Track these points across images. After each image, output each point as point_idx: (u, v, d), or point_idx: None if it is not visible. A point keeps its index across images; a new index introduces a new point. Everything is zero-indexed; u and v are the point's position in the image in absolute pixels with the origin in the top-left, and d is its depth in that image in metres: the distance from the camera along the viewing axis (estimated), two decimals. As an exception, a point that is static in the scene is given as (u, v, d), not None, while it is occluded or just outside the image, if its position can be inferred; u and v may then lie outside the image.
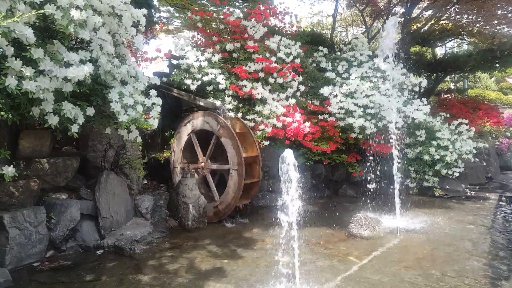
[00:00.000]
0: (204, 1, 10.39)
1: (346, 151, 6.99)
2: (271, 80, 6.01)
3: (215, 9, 8.81)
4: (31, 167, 4.02)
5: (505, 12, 9.72)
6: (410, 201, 6.26)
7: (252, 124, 5.71)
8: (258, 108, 5.74)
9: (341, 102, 6.60)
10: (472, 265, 3.67)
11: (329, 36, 10.90)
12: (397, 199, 5.16)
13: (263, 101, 5.86)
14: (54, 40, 2.72)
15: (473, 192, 7.36)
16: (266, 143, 5.62)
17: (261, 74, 5.89)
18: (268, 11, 6.76)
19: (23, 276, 3.40)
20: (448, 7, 10.29)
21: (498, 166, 10.22)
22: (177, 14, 11.62)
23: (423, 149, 7.05)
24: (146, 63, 8.21)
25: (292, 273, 3.20)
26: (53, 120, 2.69)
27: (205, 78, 5.60)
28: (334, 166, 7.37)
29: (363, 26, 12.71)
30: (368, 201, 5.89)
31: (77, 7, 2.60)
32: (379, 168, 6.76)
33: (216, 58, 5.84)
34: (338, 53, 8.36)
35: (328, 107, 6.61)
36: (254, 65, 5.87)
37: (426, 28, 11.35)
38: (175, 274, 3.44)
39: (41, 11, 2.42)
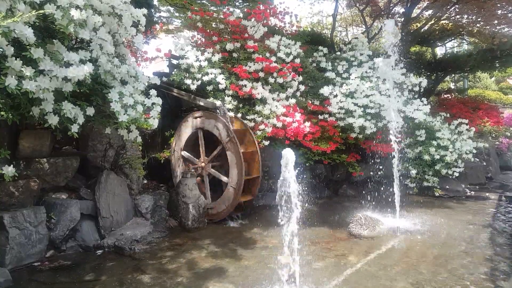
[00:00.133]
0: (204, 1, 10.39)
1: (346, 151, 6.98)
2: (271, 80, 6.00)
3: (215, 9, 8.81)
4: (31, 167, 4.01)
5: (505, 12, 9.72)
6: (410, 201, 6.26)
7: (252, 124, 5.71)
8: (258, 108, 5.74)
9: (341, 102, 6.60)
10: (472, 265, 3.67)
11: (329, 36, 10.90)
12: (397, 199, 5.16)
13: (263, 101, 5.86)
14: (54, 40, 2.72)
15: (473, 192, 7.37)
16: (266, 143, 5.62)
17: (261, 74, 5.89)
18: (268, 11, 6.76)
19: (23, 276, 3.40)
20: (448, 7, 10.29)
21: (498, 166, 10.23)
22: (177, 14, 11.62)
23: (423, 149, 7.05)
24: (146, 63, 8.23)
25: (292, 273, 3.20)
26: (53, 120, 2.69)
27: (205, 78, 5.60)
28: (334, 166, 7.37)
29: (363, 26, 12.70)
30: (368, 201, 5.90)
31: (77, 7, 2.60)
32: (379, 168, 6.77)
33: (216, 58, 5.83)
34: (338, 53, 8.36)
35: (328, 107, 6.61)
36: (254, 65, 5.87)
37: (426, 28, 11.35)
38: (175, 274, 3.44)
39: (41, 11, 2.42)
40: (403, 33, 10.03)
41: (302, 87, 6.53)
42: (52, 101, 2.64)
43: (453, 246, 4.22)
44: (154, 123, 3.54)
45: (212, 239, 4.49)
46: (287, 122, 5.78)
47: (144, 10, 3.49)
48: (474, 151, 7.33)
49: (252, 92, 5.66)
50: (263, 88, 5.91)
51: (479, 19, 10.45)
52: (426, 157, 6.91)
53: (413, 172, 6.99)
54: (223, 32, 6.71)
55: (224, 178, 5.26)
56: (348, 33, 15.82)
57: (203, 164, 5.50)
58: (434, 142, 7.03)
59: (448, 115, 8.35)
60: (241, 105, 5.82)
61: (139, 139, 3.71)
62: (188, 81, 5.62)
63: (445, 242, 4.36)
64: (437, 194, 7.03)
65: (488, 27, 10.67)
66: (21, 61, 2.35)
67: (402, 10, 11.50)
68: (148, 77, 3.75)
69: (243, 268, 3.60)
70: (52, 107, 2.66)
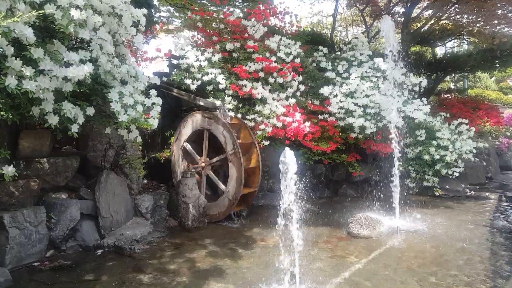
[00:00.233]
0: (204, 1, 10.40)
1: (346, 151, 6.99)
2: (271, 80, 6.01)
3: (215, 9, 8.81)
4: (31, 167, 4.01)
5: (505, 12, 9.73)
6: (410, 201, 6.26)
7: (252, 124, 5.71)
8: (258, 108, 5.74)
9: (341, 102, 6.60)
10: (472, 265, 3.67)
11: (329, 35, 10.91)
12: (397, 199, 5.16)
13: (263, 101, 5.86)
14: (54, 40, 2.71)
15: (473, 192, 7.37)
16: (266, 143, 5.62)
17: (261, 74, 5.89)
18: (268, 10, 6.77)
19: (23, 276, 3.40)
20: (448, 7, 10.30)
21: (498, 166, 10.24)
22: (177, 14, 11.63)
23: (423, 149, 7.05)
24: (146, 63, 8.24)
25: (292, 273, 3.20)
26: (53, 120, 2.69)
27: (205, 78, 5.60)
28: (334, 166, 7.37)
29: (363, 26, 12.71)
30: (368, 200, 5.89)
31: (77, 7, 2.60)
32: (379, 168, 6.77)
33: (216, 57, 5.84)
34: (338, 53, 8.37)
35: (328, 107, 6.61)
36: (254, 64, 5.87)
37: (426, 27, 11.35)
38: (175, 274, 3.44)
39: (41, 11, 2.42)
40: (403, 33, 10.03)
41: (302, 87, 6.53)
42: (52, 101, 2.64)
43: (453, 246, 4.22)
44: (154, 123, 3.53)
45: (212, 239, 4.49)
46: (287, 122, 5.78)
47: (144, 10, 3.49)
48: (474, 151, 7.34)
49: (252, 92, 5.66)
50: (263, 88, 5.92)
51: (479, 19, 10.46)
52: (426, 157, 6.92)
53: (413, 172, 6.99)
54: (223, 32, 6.72)
55: (222, 186, 5.24)
56: (348, 33, 15.83)
57: (203, 164, 5.49)
58: (434, 142, 7.03)
59: (448, 115, 8.36)
60: (241, 105, 5.82)
61: (139, 139, 3.70)
62: (188, 81, 5.62)
63: (445, 242, 4.36)
64: (437, 194, 7.03)
65: (488, 27, 10.68)
66: (21, 61, 2.34)
67: (402, 10, 11.50)
68: (148, 77, 3.75)
69: (243, 268, 3.60)
70: (52, 107, 2.65)
